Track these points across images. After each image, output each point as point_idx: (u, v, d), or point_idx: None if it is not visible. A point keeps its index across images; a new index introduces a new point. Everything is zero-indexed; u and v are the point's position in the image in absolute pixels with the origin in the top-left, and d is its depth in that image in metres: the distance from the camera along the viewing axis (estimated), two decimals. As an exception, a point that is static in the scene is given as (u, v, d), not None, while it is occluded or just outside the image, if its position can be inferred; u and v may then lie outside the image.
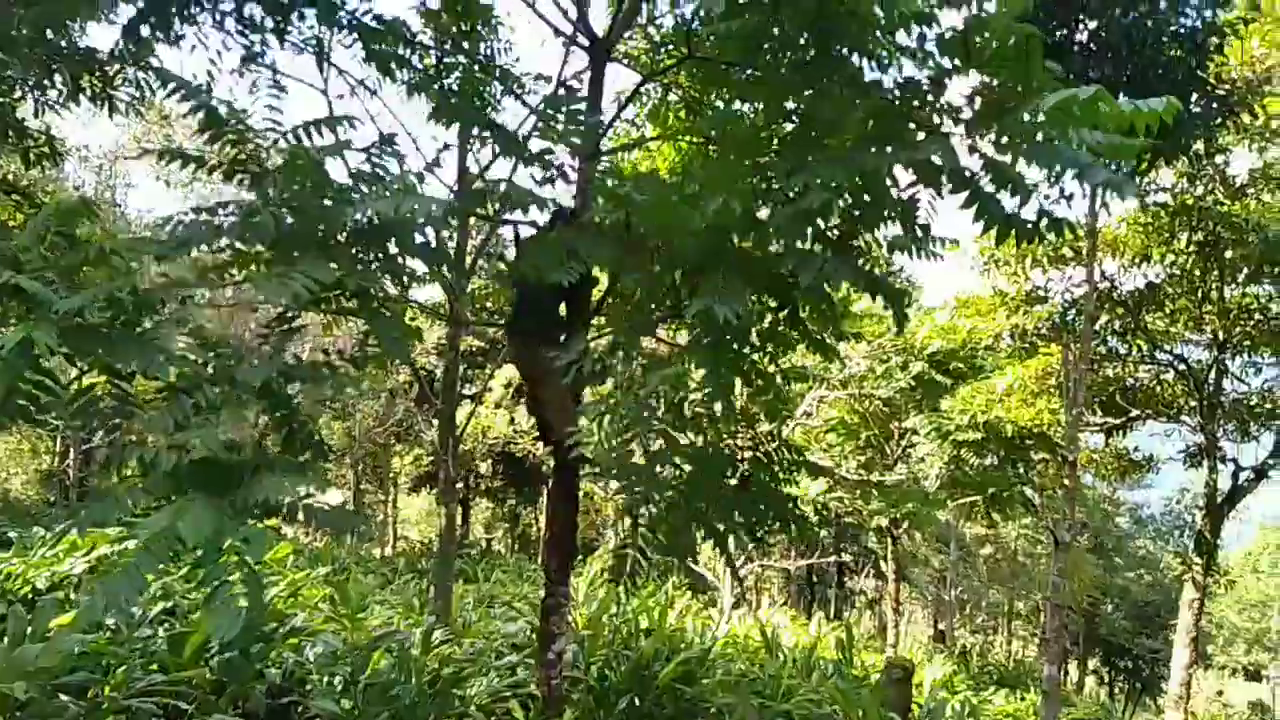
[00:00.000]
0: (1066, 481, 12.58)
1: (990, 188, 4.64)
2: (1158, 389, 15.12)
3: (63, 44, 5.40)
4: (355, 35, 5.46)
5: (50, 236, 3.87)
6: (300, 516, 3.64)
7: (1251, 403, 14.74)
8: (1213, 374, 14.22)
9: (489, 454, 23.75)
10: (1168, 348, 14.51)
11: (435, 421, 11.01)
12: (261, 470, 3.37)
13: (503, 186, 4.83)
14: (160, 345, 3.55)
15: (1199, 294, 13.39)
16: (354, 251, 4.48)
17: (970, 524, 25.88)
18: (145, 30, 5.03)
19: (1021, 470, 17.29)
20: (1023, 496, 17.68)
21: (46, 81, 5.88)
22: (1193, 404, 14.56)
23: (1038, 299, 14.10)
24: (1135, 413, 15.13)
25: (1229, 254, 12.41)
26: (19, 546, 9.29)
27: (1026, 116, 4.37)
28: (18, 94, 6.01)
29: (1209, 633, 38.11)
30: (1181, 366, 14.59)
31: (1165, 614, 29.25)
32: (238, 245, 4.31)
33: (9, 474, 23.09)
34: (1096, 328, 13.61)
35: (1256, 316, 13.47)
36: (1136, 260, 13.27)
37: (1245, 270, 12.66)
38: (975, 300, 15.11)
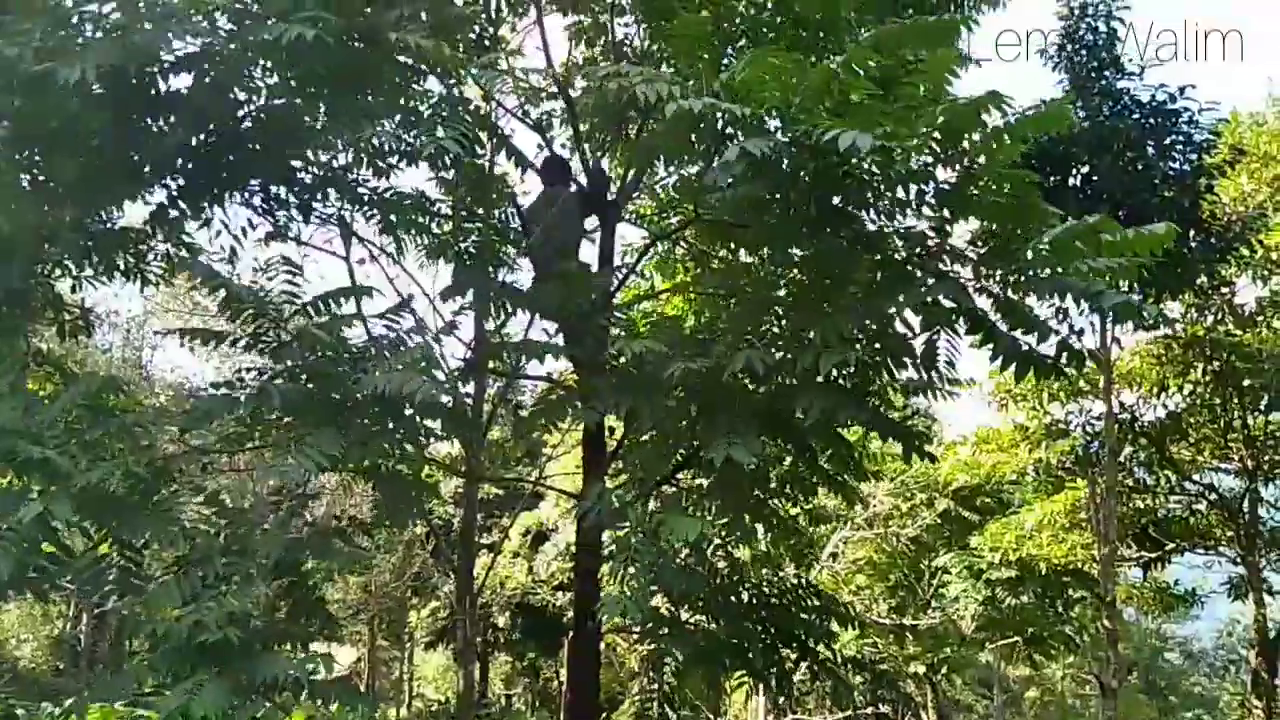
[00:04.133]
0: (1107, 622, 12.07)
1: (1004, 326, 4.71)
2: (1191, 520, 14.69)
3: (100, 226, 5.71)
4: (375, 211, 5.74)
5: (76, 409, 3.97)
6: (306, 693, 3.55)
7: (1291, 533, 14.25)
8: (1246, 503, 13.84)
9: (507, 605, 23.13)
10: (1196, 477, 14.19)
11: (452, 574, 10.82)
12: (270, 644, 3.32)
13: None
14: (174, 517, 3.57)
15: (1221, 423, 13.21)
16: (374, 411, 4.56)
17: (1012, 666, 24.62)
18: (174, 212, 5.33)
19: (1060, 609, 16.62)
20: (1064, 636, 16.92)
21: (84, 259, 6.14)
22: (1230, 534, 14.10)
23: (1059, 432, 13.94)
24: (1170, 545, 14.64)
25: (1246, 382, 12.33)
26: (26, 724, 9.00)
27: (1030, 254, 4.47)
28: (57, 273, 6.27)
29: (1281, 780, 35.40)
30: (1213, 496, 14.23)
31: (1231, 759, 27.28)
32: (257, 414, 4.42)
33: (19, 641, 22.64)
34: (1121, 459, 13.38)
35: (1284, 444, 13.23)
36: (1154, 391, 13.18)
37: (1266, 398, 12.54)
38: (996, 435, 14.97)
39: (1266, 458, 13.18)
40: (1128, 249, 4.11)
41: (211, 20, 4.51)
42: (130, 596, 3.89)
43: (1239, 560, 14.07)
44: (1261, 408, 12.90)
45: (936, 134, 4.36)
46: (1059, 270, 4.40)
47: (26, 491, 3.70)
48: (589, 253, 6.61)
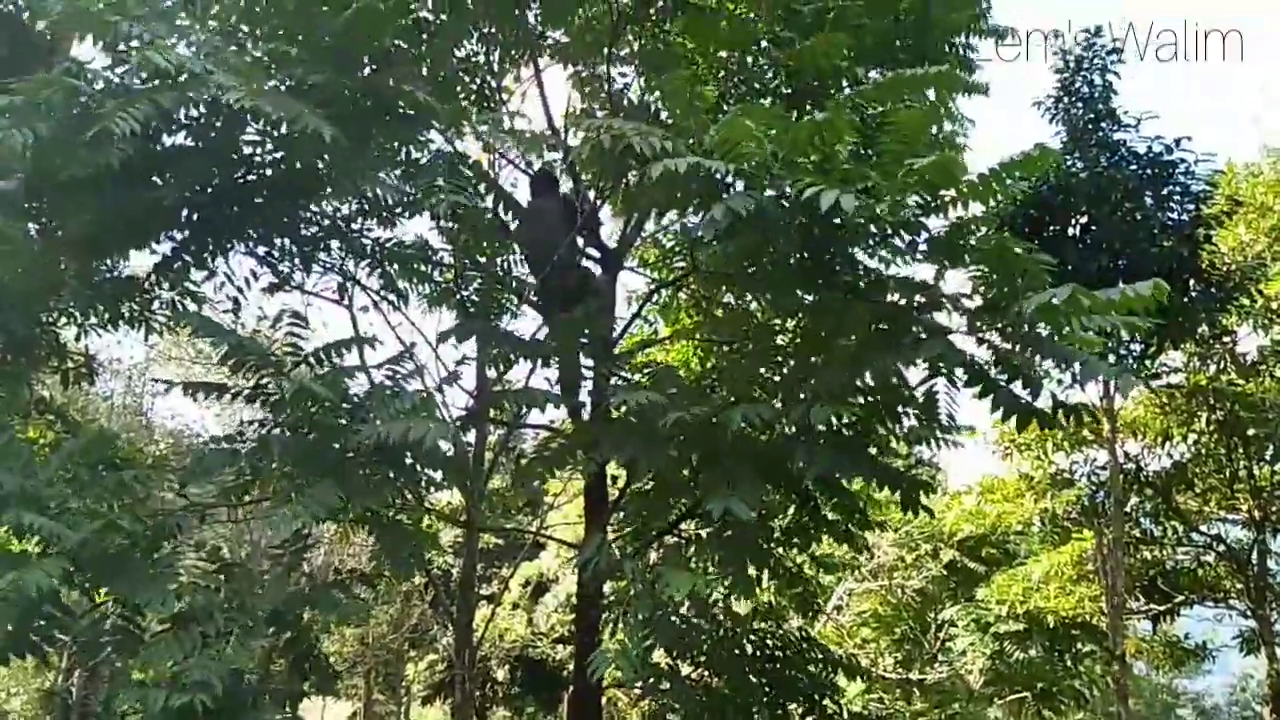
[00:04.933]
0: (1117, 676, 11.85)
1: (1003, 377, 4.70)
2: (1200, 571, 14.49)
3: (105, 275, 5.74)
4: (377, 261, 5.78)
5: (74, 466, 3.94)
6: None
7: (1303, 586, 14.02)
8: (1255, 554, 13.65)
9: (506, 658, 22.73)
10: (1203, 528, 14.03)
11: (451, 626, 10.67)
12: (258, 702, 3.25)
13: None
14: (173, 574, 3.53)
15: (1227, 473, 13.11)
16: (375, 461, 4.54)
17: (1021, 723, 24.01)
18: (179, 263, 5.36)
19: (1069, 663, 16.31)
20: (1074, 691, 16.58)
21: (89, 308, 6.17)
22: (1239, 586, 13.89)
23: (1064, 482, 13.83)
24: (1180, 597, 14.42)
25: (1251, 431, 12.26)
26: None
27: (1021, 309, 4.47)
28: (62, 321, 6.30)
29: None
30: (1221, 547, 14.05)
31: (1250, 821, 26.54)
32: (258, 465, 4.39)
33: (9, 694, 22.21)
34: (1127, 510, 13.25)
35: (1291, 494, 13.09)
36: (1159, 440, 13.11)
37: (1271, 448, 12.46)
38: (1000, 484, 14.85)
39: (1274, 509, 13.05)
40: (1117, 309, 4.10)
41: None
42: (126, 653, 3.83)
43: (1249, 613, 13.83)
44: (1267, 458, 12.80)
45: (920, 189, 4.41)
46: (1061, 327, 4.40)
47: (26, 554, 3.67)
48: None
